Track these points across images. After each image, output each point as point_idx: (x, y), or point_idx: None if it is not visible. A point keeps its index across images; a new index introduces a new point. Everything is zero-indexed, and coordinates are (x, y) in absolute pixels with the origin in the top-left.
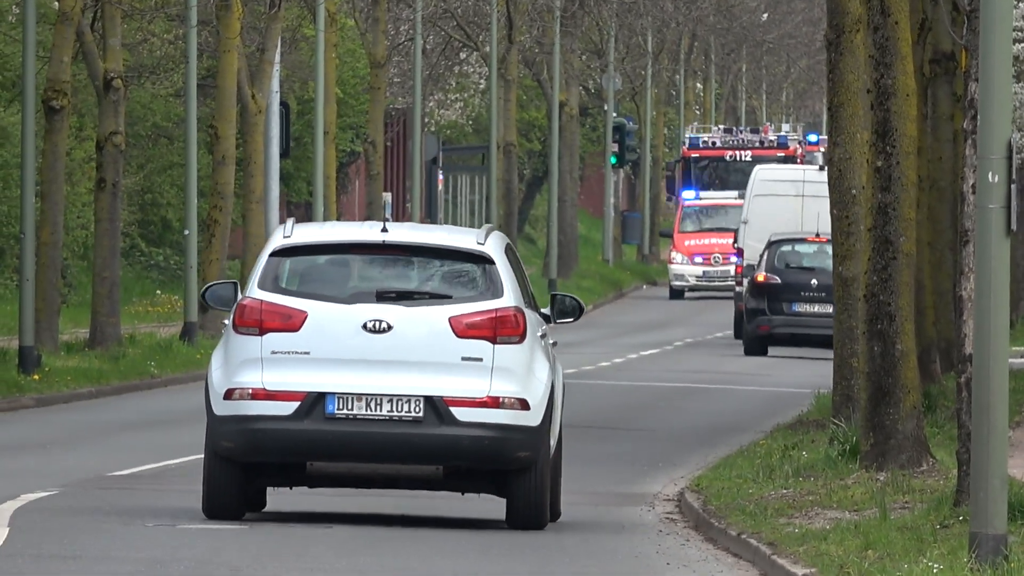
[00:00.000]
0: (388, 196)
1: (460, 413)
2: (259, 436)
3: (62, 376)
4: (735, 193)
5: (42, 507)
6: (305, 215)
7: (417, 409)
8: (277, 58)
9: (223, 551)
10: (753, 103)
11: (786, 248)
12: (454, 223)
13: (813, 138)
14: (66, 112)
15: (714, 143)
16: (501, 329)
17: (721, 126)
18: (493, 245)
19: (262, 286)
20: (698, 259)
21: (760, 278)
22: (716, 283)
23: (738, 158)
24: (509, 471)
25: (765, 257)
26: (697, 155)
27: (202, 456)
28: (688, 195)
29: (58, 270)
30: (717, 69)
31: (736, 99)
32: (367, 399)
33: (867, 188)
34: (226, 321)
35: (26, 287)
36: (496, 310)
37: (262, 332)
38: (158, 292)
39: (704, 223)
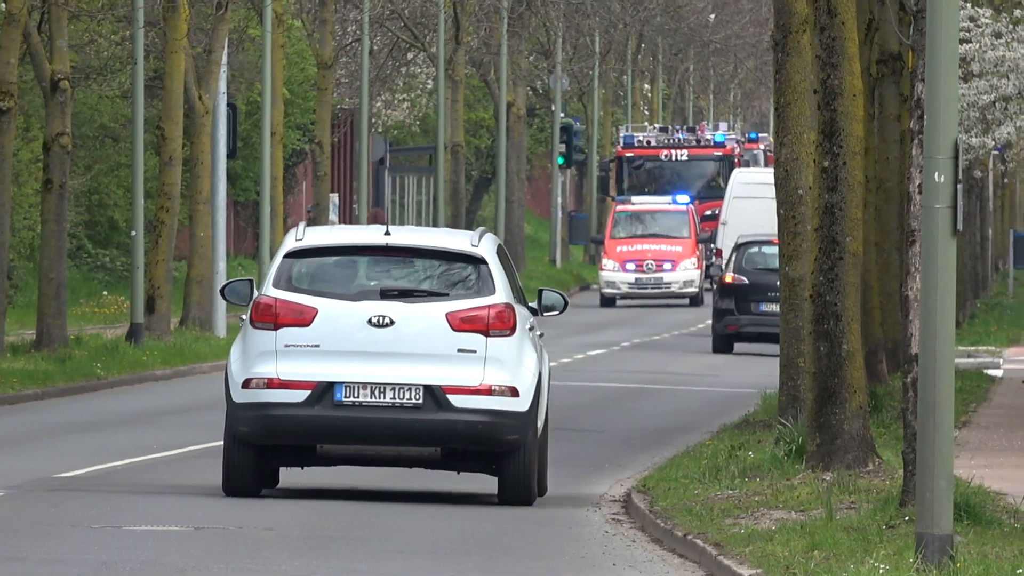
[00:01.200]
0: (335, 197)
1: (456, 400)
2: (273, 421)
3: (7, 378)
4: (668, 199)
5: None
6: (252, 215)
7: (417, 396)
8: (224, 59)
9: (169, 552)
10: (701, 103)
11: (753, 250)
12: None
13: (753, 135)
14: (13, 113)
15: (649, 142)
16: (493, 323)
17: (657, 125)
18: (486, 247)
19: (276, 284)
20: (630, 266)
21: (728, 279)
22: (649, 290)
23: (674, 157)
24: (500, 452)
25: (733, 259)
26: (632, 154)
27: (148, 457)
28: (621, 199)
29: (4, 271)
30: (664, 69)
31: (684, 99)
32: (372, 387)
33: (814, 188)
34: (243, 317)
35: None
36: (489, 306)
37: (276, 327)
38: (104, 293)
39: (637, 229)
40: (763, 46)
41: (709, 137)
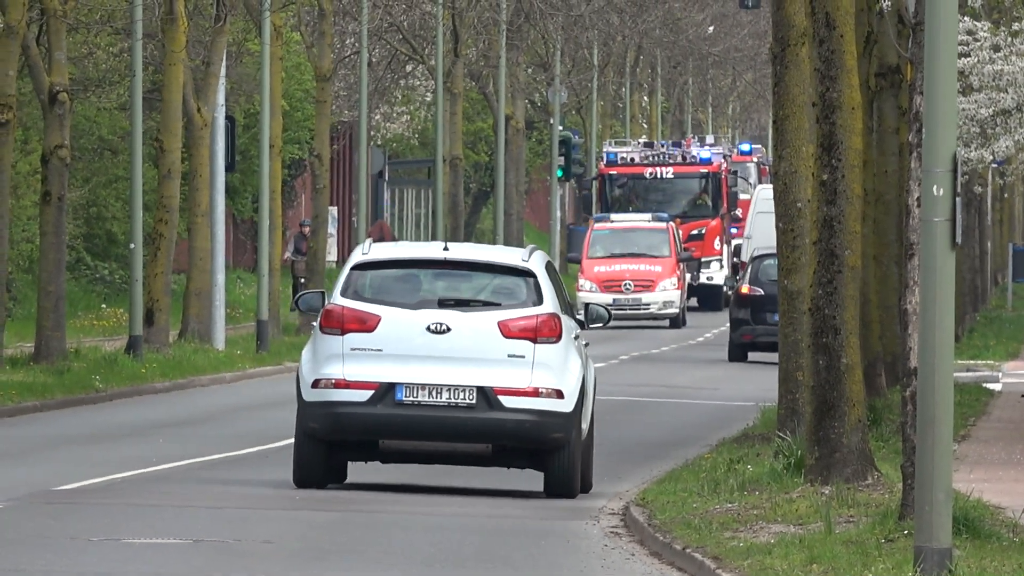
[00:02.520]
0: (334, 209)
1: (506, 400)
2: (340, 418)
3: (7, 390)
4: (648, 216)
5: None
6: (251, 228)
7: (471, 397)
8: (223, 71)
9: (169, 565)
10: (699, 116)
11: (768, 262)
12: (400, 237)
13: (745, 147)
14: (11, 125)
15: (632, 159)
16: (541, 331)
17: (641, 140)
18: (535, 262)
19: (344, 294)
20: (608, 287)
21: (744, 290)
22: (627, 312)
23: (659, 175)
24: (546, 449)
25: (749, 271)
26: (615, 172)
27: (148, 470)
28: (599, 217)
29: (3, 284)
30: (663, 82)
31: (682, 112)
32: (429, 388)
33: (812, 201)
34: (314, 323)
35: None
36: (537, 315)
37: (344, 332)
38: (103, 306)
39: (615, 248)
40: (762, 59)
41: (695, 154)
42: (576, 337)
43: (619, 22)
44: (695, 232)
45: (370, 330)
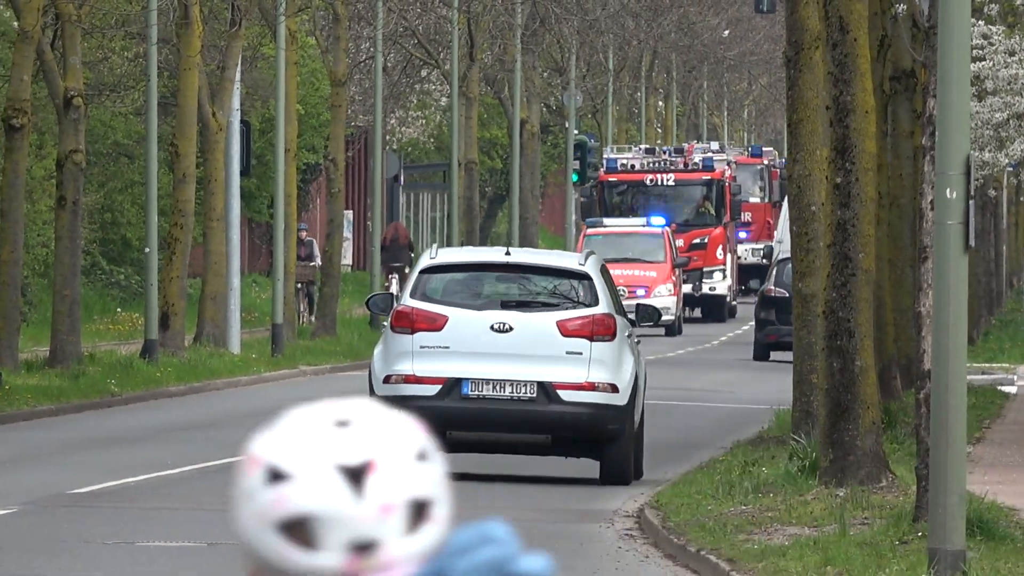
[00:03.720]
0: (349, 214)
1: (565, 394)
2: (410, 411)
3: (22, 394)
4: (642, 221)
5: (1, 525)
6: (266, 232)
7: (531, 391)
8: (238, 76)
9: (183, 568)
10: (715, 120)
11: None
12: (416, 242)
13: (756, 151)
14: (26, 130)
15: (632, 166)
16: (597, 330)
17: (643, 146)
18: (591, 266)
19: (413, 296)
20: None
21: (769, 291)
22: None
23: (659, 182)
24: (601, 440)
25: (774, 273)
26: (615, 179)
27: (162, 473)
28: (591, 222)
29: (18, 288)
30: (678, 86)
31: (697, 116)
32: (493, 383)
33: (826, 205)
34: (385, 323)
35: None
36: (593, 315)
37: (413, 331)
38: (119, 310)
39: (608, 253)
40: (777, 63)
41: (697, 160)
42: (629, 335)
43: (634, 26)
44: (697, 241)
45: (438, 329)
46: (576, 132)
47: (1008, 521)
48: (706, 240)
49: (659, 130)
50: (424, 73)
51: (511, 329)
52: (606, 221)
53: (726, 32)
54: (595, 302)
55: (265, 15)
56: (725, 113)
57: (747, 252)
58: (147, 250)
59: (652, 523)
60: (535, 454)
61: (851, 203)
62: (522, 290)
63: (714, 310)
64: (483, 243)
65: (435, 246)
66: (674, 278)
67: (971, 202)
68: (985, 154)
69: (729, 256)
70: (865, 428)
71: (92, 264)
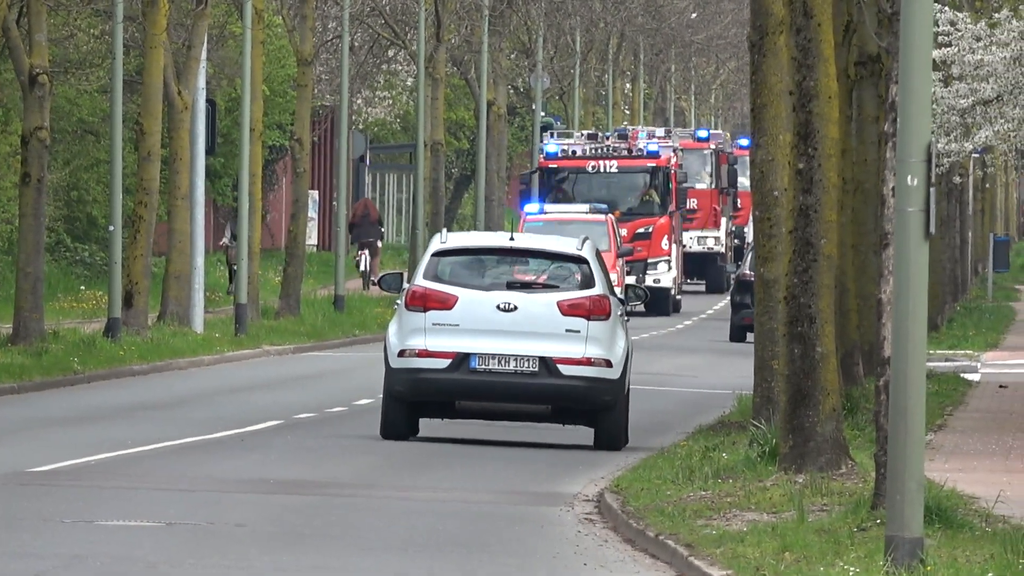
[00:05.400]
0: (315, 194)
1: (564, 369)
2: (423, 383)
3: None
4: (585, 207)
5: None
6: (231, 212)
7: (534, 366)
8: (204, 55)
9: (141, 547)
10: (682, 104)
11: None
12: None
13: (703, 134)
14: None
15: (574, 152)
16: (593, 310)
17: (585, 132)
18: (587, 251)
19: (425, 277)
20: None
21: (745, 275)
22: None
23: (602, 169)
24: (597, 410)
25: (750, 257)
26: (555, 166)
27: (123, 452)
28: (531, 208)
29: None
30: (646, 69)
31: (665, 100)
32: (499, 358)
33: (789, 190)
34: (398, 301)
35: None
36: (590, 296)
37: (426, 310)
38: (82, 288)
39: None
40: (744, 47)
41: (642, 147)
42: (621, 314)
43: (601, 8)
44: (641, 231)
45: (448, 308)
46: (543, 114)
47: (967, 509)
48: (651, 230)
49: (626, 112)
50: (391, 53)
51: (515, 308)
52: (547, 207)
53: (694, 15)
54: (592, 284)
55: None
56: (692, 97)
57: (692, 240)
58: (111, 228)
59: (612, 507)
60: (536, 421)
61: (813, 189)
62: (526, 272)
63: (657, 303)
64: (448, 226)
65: (444, 231)
66: (618, 268)
67: (932, 189)
68: (951, 141)
69: (675, 247)
70: (825, 415)
71: (56, 242)
